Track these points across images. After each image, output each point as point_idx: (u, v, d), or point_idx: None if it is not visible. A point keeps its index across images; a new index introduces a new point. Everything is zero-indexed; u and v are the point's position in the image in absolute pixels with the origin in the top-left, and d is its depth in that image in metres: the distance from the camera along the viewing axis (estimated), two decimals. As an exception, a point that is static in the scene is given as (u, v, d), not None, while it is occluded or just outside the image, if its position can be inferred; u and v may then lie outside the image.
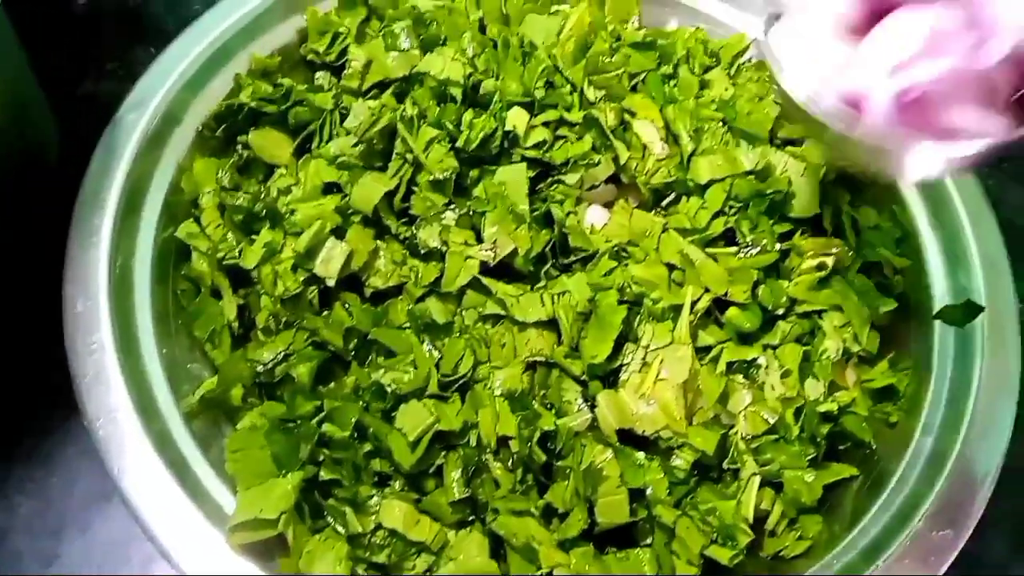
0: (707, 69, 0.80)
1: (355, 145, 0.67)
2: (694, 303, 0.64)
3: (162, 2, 0.97)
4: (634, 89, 0.78)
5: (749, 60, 0.83)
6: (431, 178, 0.64)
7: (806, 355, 0.66)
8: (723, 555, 0.57)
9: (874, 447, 0.65)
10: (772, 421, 0.62)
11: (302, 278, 0.63)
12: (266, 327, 0.63)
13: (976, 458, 0.61)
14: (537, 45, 0.76)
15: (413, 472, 0.59)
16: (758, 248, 0.69)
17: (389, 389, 0.59)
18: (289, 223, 0.64)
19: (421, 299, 0.64)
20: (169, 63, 0.73)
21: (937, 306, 0.69)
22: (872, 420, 0.66)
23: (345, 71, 0.73)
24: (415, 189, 0.66)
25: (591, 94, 0.76)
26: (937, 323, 0.68)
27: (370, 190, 0.65)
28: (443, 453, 0.60)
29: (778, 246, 0.69)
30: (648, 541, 0.60)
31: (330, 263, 0.63)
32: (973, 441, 0.62)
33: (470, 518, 0.61)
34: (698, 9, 0.85)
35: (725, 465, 0.61)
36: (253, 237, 0.67)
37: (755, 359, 0.64)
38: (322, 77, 0.77)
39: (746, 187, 0.70)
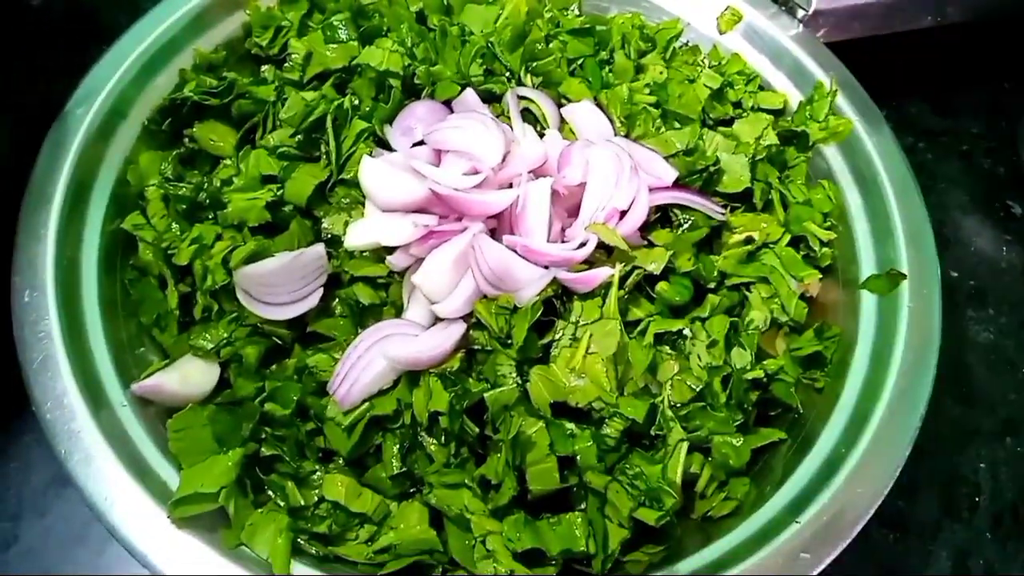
0: (643, 54, 0.83)
1: (293, 136, 0.69)
2: (623, 279, 0.66)
3: (114, 1, 0.99)
4: (572, 74, 0.81)
5: (685, 44, 0.86)
6: (349, 176, 0.66)
7: (734, 326, 0.68)
8: (650, 516, 0.59)
9: (802, 411, 0.68)
10: (697, 389, 0.64)
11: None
12: (203, 316, 0.65)
13: (895, 421, 0.63)
14: (475, 33, 0.79)
15: (352, 456, 0.62)
16: (689, 224, 0.72)
17: (315, 373, 0.61)
18: (222, 216, 0.66)
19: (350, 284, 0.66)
20: (115, 60, 0.75)
21: (864, 277, 0.71)
22: (801, 386, 0.69)
23: (286, 64, 0.75)
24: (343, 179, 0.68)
25: (528, 80, 0.79)
26: (863, 293, 0.71)
27: (302, 184, 0.67)
28: (381, 434, 0.63)
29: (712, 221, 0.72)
30: (583, 506, 0.62)
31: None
32: (893, 404, 0.64)
33: (411, 490, 0.63)
34: (636, -6, 0.88)
35: (653, 432, 0.63)
36: (198, 226, 0.69)
37: (681, 330, 0.66)
38: (267, 70, 0.80)
39: (679, 166, 0.73)
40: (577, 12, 0.87)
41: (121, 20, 0.96)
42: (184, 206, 0.69)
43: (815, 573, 0.57)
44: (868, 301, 0.70)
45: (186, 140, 0.75)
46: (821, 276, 0.72)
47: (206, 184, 0.70)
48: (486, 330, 0.64)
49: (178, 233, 0.69)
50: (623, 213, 0.69)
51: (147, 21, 0.77)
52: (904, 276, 0.69)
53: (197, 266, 0.66)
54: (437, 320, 0.66)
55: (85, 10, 0.98)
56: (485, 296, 0.64)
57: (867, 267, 0.72)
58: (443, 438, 0.61)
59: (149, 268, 0.69)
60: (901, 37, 0.90)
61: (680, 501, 0.63)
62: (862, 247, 0.73)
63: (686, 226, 0.72)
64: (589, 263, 0.67)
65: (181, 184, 0.70)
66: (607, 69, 0.80)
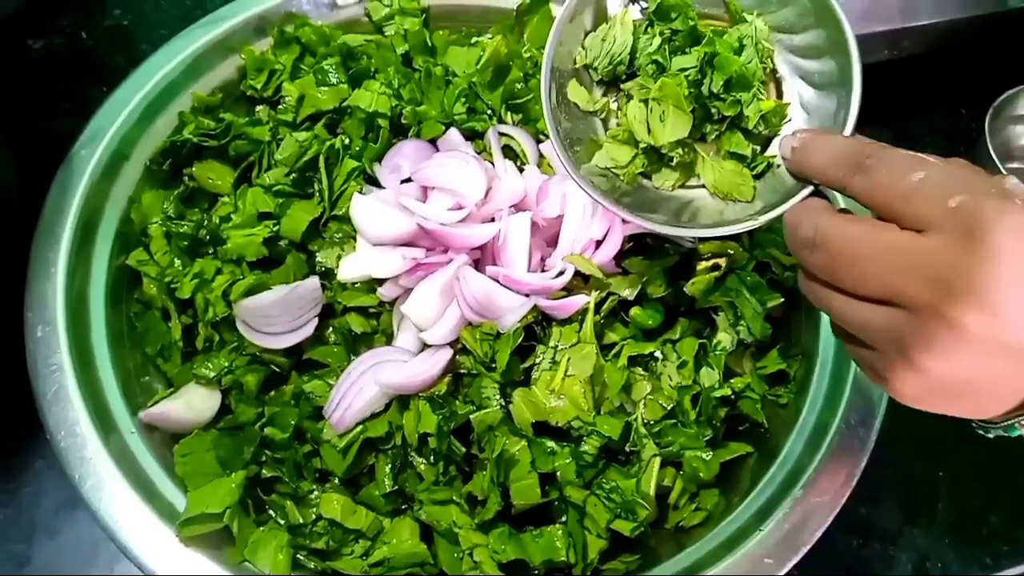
0: (617, 90, 0.88)
1: (287, 175, 0.74)
2: (599, 305, 0.71)
3: (112, 43, 1.03)
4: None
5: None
6: (341, 212, 0.71)
7: (703, 347, 0.73)
8: (625, 527, 0.64)
9: (767, 426, 0.73)
10: (668, 407, 0.69)
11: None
12: (205, 347, 0.70)
13: (852, 433, 0.68)
14: (458, 73, 0.84)
15: (347, 476, 0.66)
16: (660, 252, 0.77)
17: (311, 398, 0.65)
18: (222, 251, 0.71)
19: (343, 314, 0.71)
20: (118, 104, 0.79)
21: (824, 298, 0.76)
22: (767, 403, 0.74)
23: (280, 106, 0.80)
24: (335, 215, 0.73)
25: (509, 117, 0.83)
26: (821, 313, 0.75)
27: (297, 220, 0.72)
28: (374, 454, 0.67)
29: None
30: (563, 519, 0.67)
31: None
32: (850, 418, 0.69)
33: (403, 507, 0.68)
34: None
35: (627, 448, 0.68)
36: (199, 261, 0.73)
37: (652, 352, 0.71)
38: (262, 111, 0.84)
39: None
40: (554, 50, 0.92)
41: (119, 60, 1.02)
42: (185, 242, 0.73)
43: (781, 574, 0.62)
44: (825, 321, 0.75)
45: (186, 179, 0.79)
46: (783, 299, 0.76)
47: (206, 221, 0.74)
48: (471, 355, 0.69)
49: (180, 268, 0.73)
50: (599, 243, 0.74)
51: (147, 67, 0.81)
52: (860, 298, 0.73)
53: (199, 299, 0.70)
54: (425, 346, 0.70)
55: (83, 51, 1.02)
56: (470, 323, 0.69)
57: (827, 288, 0.77)
58: (432, 458, 0.66)
59: (153, 302, 0.73)
60: (864, 69, 0.96)
61: (654, 513, 0.68)
62: (823, 270, 0.78)
63: (658, 254, 0.77)
64: (567, 290, 0.71)
65: (182, 222, 0.74)
66: (583, 105, 0.85)
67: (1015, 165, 1.07)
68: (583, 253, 0.73)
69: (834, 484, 0.66)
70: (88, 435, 0.64)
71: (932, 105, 1.11)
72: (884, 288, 0.42)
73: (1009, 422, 0.45)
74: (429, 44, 0.88)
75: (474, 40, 0.87)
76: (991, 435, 0.48)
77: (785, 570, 0.62)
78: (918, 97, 1.10)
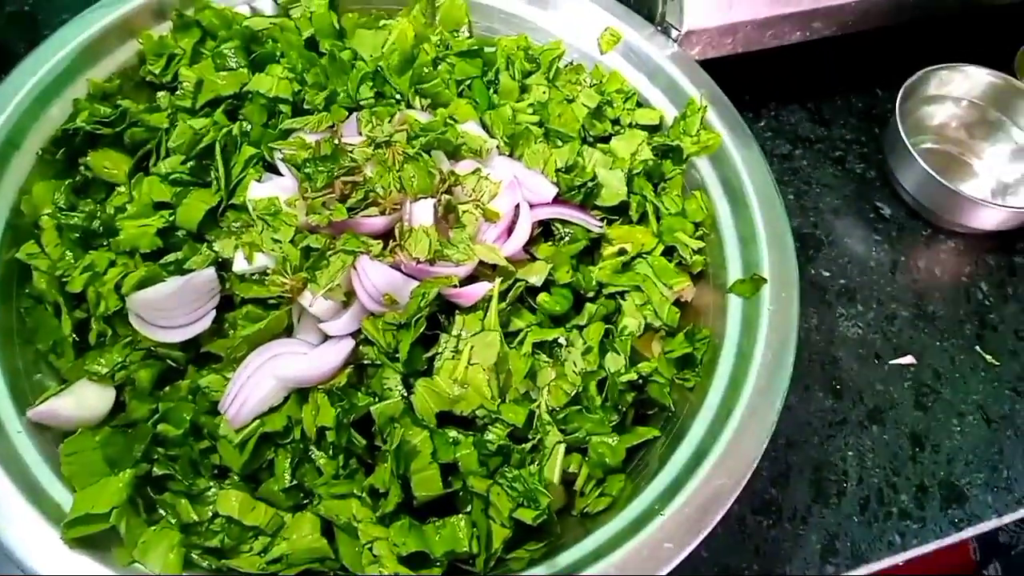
0: (528, 74, 0.87)
1: (184, 163, 0.72)
2: (504, 293, 0.70)
3: (13, 30, 0.99)
4: (461, 95, 0.85)
5: (570, 63, 0.90)
6: (239, 201, 0.69)
7: (609, 332, 0.73)
8: (527, 515, 0.63)
9: (674, 410, 0.73)
10: (572, 393, 0.68)
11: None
12: (98, 341, 0.67)
13: (755, 416, 0.68)
14: (364, 58, 0.82)
15: (245, 472, 0.65)
16: (568, 237, 0.76)
17: (207, 392, 0.64)
18: (115, 243, 0.69)
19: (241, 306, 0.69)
20: (8, 91, 0.76)
21: (731, 281, 0.77)
22: (675, 386, 0.74)
23: (177, 91, 0.77)
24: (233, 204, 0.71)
25: (418, 102, 0.82)
26: (731, 296, 0.76)
27: (193, 209, 0.69)
28: (273, 449, 0.66)
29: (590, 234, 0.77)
30: (468, 509, 0.66)
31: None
32: (753, 401, 0.69)
33: (304, 502, 0.66)
34: (524, 18, 0.91)
35: (530, 435, 0.67)
36: (91, 254, 0.70)
37: (557, 339, 0.70)
38: (162, 96, 0.81)
39: (559, 183, 0.77)
40: (468, 34, 0.91)
41: (20, 48, 0.98)
42: (77, 234, 0.71)
43: (680, 559, 0.62)
44: (735, 304, 0.75)
45: (82, 168, 0.76)
46: (692, 283, 0.77)
47: (99, 212, 0.72)
48: (374, 345, 0.68)
49: (72, 261, 0.70)
50: (509, 231, 0.74)
51: (40, 52, 0.78)
52: (765, 280, 0.74)
53: (90, 293, 0.68)
54: (327, 338, 0.69)
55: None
56: (372, 313, 0.68)
57: (734, 272, 0.77)
58: (331, 451, 0.65)
59: (44, 296, 0.70)
60: (781, 50, 0.96)
61: (560, 500, 0.68)
62: (730, 253, 0.78)
63: (566, 239, 0.77)
64: (474, 278, 0.70)
65: (73, 213, 0.72)
66: (492, 90, 0.84)
67: (928, 145, 1.09)
68: (494, 241, 0.72)
69: (737, 466, 0.66)
70: (-30, 435, 0.62)
71: (848, 86, 1.12)
72: None
73: None
74: (337, 27, 0.86)
75: (382, 23, 0.86)
76: None
77: (685, 553, 0.62)
78: (834, 77, 1.11)
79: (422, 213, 0.71)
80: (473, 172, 0.75)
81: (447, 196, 0.73)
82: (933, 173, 0.94)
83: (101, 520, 0.59)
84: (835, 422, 0.87)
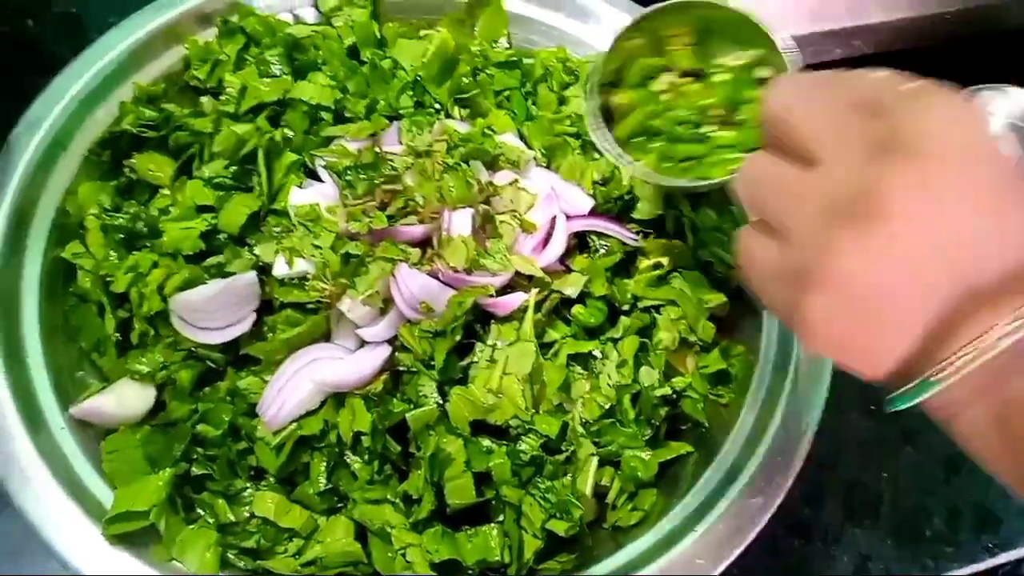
0: (566, 86, 0.87)
1: (227, 167, 0.73)
2: (540, 304, 0.70)
3: (60, 32, 1.01)
4: (500, 106, 0.85)
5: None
6: (280, 206, 0.70)
7: (644, 346, 0.73)
8: (560, 527, 0.63)
9: (708, 426, 0.73)
10: (607, 406, 0.68)
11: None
12: (140, 341, 0.68)
13: (789, 435, 0.68)
14: (405, 67, 0.83)
15: (281, 474, 0.66)
16: (604, 250, 0.76)
17: (246, 394, 0.65)
18: (158, 244, 0.70)
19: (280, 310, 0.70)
20: (56, 93, 0.77)
21: (768, 298, 0.76)
22: (708, 402, 0.74)
23: (221, 96, 0.79)
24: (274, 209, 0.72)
25: (456, 112, 0.83)
26: (765, 312, 0.75)
27: (235, 213, 0.70)
28: (309, 452, 0.66)
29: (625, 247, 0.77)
30: (501, 519, 0.67)
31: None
32: (788, 419, 0.69)
33: (338, 505, 0.67)
34: (563, 30, 0.92)
35: (563, 447, 0.67)
36: (135, 255, 0.72)
37: (591, 351, 0.70)
38: (205, 101, 0.83)
39: (596, 195, 0.77)
40: (507, 44, 0.91)
41: (65, 50, 0.99)
42: (121, 235, 0.72)
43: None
44: (768, 320, 0.75)
45: (126, 170, 0.77)
46: (726, 299, 0.76)
47: (143, 214, 0.73)
48: (410, 352, 0.68)
49: (116, 261, 0.72)
50: (545, 241, 0.74)
51: (88, 55, 0.80)
52: (802, 298, 0.73)
53: (133, 293, 0.69)
54: (364, 344, 0.69)
55: (30, 40, 1.00)
56: (409, 321, 0.68)
57: (771, 289, 0.77)
58: (366, 456, 0.65)
59: (88, 295, 0.72)
60: (822, 67, 0.96)
61: (591, 512, 0.68)
62: (767, 270, 0.78)
63: (602, 252, 0.77)
64: (509, 288, 0.71)
65: (118, 214, 0.73)
66: (530, 101, 0.85)
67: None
68: (530, 252, 0.73)
69: (771, 485, 0.66)
70: (14, 430, 0.63)
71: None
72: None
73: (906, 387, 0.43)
74: (378, 36, 0.87)
75: (423, 33, 0.86)
76: (897, 406, 0.46)
77: (719, 570, 0.62)
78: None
79: (460, 223, 0.71)
80: (511, 183, 0.75)
81: (485, 206, 0.74)
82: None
83: (141, 517, 0.60)
84: (869, 443, 0.86)
